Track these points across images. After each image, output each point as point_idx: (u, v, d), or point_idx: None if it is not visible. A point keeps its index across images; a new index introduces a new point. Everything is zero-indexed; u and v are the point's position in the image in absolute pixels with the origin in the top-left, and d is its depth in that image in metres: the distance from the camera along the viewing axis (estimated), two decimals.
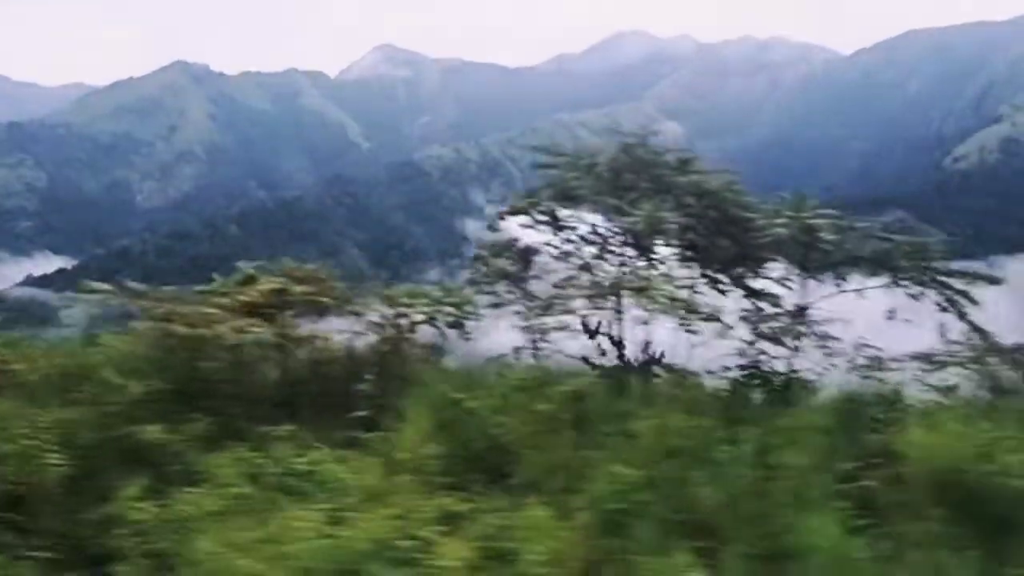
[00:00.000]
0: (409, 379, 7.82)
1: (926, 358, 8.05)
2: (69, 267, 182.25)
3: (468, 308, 8.87)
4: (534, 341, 9.25)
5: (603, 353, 9.43)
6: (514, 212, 10.35)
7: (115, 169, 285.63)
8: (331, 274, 9.04)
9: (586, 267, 9.52)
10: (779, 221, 8.81)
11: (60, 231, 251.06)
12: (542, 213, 10.04)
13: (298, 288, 7.81)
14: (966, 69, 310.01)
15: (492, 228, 10.79)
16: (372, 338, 8.76)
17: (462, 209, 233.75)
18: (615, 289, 8.41)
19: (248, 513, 4.45)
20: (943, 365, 7.90)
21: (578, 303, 8.41)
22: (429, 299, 8.33)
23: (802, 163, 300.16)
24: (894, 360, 8.12)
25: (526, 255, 10.07)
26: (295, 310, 8.29)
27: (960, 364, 7.89)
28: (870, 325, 9.22)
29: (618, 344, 9.41)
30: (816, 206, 9.10)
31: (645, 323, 8.80)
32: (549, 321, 8.98)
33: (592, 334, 9.47)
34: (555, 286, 8.85)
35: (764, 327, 9.02)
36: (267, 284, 7.75)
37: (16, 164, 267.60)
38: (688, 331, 8.07)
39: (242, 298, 7.67)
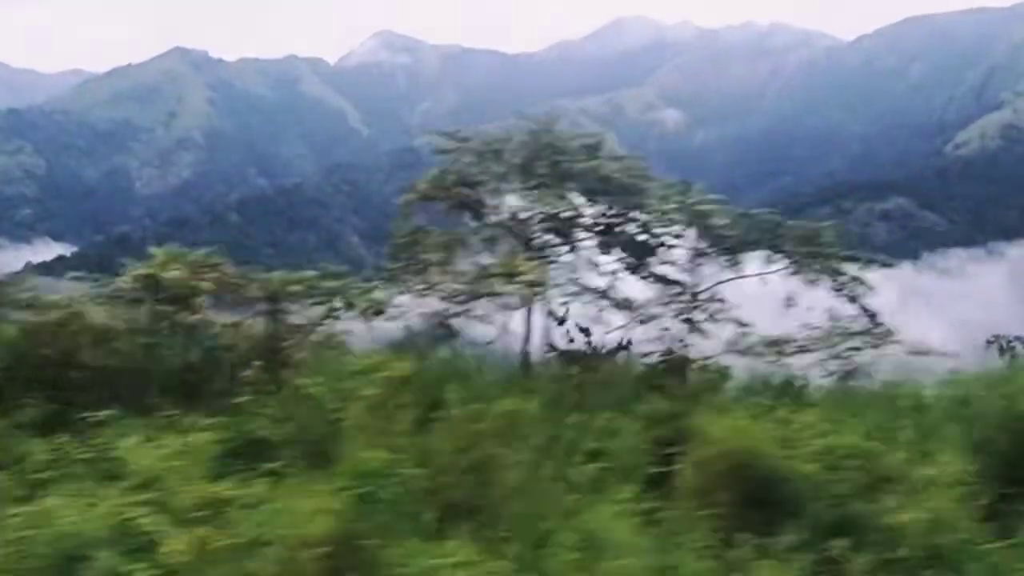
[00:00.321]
0: (296, 365, 7.73)
1: (780, 343, 8.01)
2: (68, 254, 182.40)
3: (355, 295, 8.74)
4: (438, 326, 9.16)
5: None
6: (422, 198, 10.21)
7: (114, 156, 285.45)
8: (224, 261, 8.91)
9: (511, 255, 9.42)
10: (669, 207, 8.74)
11: (59, 218, 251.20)
12: (452, 199, 9.90)
13: (169, 275, 7.68)
14: (968, 55, 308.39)
15: (405, 214, 10.60)
16: (267, 325, 8.66)
17: None
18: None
19: (20, 500, 4.37)
20: (801, 351, 7.87)
21: (457, 290, 8.31)
22: (305, 285, 8.21)
23: (803, 149, 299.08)
24: (754, 346, 8.06)
25: (448, 243, 9.95)
26: (180, 298, 8.17)
27: (810, 349, 7.85)
28: (772, 310, 9.15)
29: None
30: (702, 191, 9.03)
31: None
32: (448, 308, 8.90)
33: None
34: (434, 275, 8.74)
35: (660, 311, 8.96)
36: (136, 271, 7.64)
37: (15, 151, 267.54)
38: (550, 314, 8.02)
39: (113, 286, 7.57)
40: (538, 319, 9.21)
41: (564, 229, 9.47)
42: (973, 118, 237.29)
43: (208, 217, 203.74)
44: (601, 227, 9.57)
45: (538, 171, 9.60)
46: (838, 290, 8.71)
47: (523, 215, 9.66)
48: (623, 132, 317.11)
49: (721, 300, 9.15)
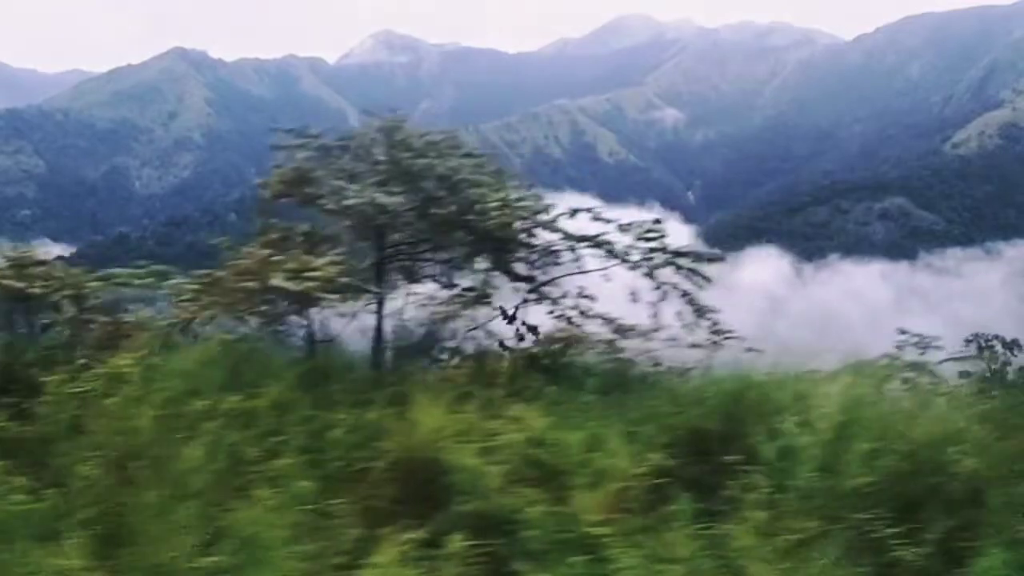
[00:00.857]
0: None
1: (566, 340, 8.22)
2: (67, 254, 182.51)
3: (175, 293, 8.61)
4: (265, 326, 9.01)
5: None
6: (277, 196, 10.04)
7: (114, 156, 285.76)
8: (49, 260, 8.69)
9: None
10: (498, 202, 8.79)
11: (59, 218, 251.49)
12: (298, 196, 9.71)
13: None
14: (967, 53, 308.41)
15: (260, 211, 10.36)
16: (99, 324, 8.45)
17: None
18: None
19: None
20: (631, 344, 8.04)
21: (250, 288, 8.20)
22: (107, 284, 8.18)
23: (802, 148, 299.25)
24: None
25: (313, 242, 9.75)
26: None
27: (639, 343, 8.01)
28: (616, 307, 9.22)
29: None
30: (524, 185, 9.11)
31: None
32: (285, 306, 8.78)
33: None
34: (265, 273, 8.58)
35: (521, 307, 9.09)
36: None
37: (14, 151, 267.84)
38: (340, 314, 8.05)
39: None
40: (392, 316, 9.14)
41: (420, 226, 9.36)
42: (972, 117, 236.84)
43: (207, 217, 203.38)
44: (455, 224, 9.49)
45: (382, 168, 9.51)
46: (674, 286, 8.82)
47: (370, 211, 9.42)
48: (623, 131, 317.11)
49: (589, 297, 9.20)
